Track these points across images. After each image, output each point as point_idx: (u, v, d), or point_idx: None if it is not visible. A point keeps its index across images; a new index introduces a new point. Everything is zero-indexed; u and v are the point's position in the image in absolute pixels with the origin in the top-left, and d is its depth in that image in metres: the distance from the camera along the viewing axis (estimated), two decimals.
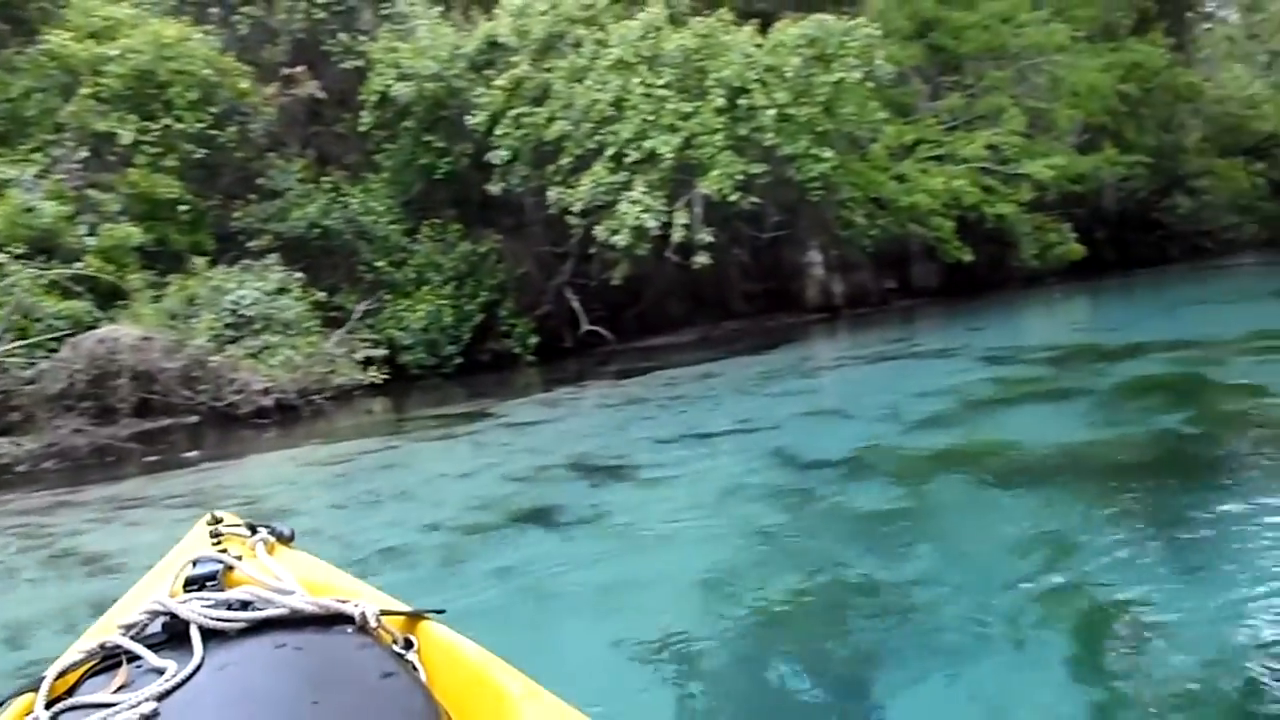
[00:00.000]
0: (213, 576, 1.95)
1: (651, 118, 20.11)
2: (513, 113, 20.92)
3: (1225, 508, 5.80)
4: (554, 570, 6.21)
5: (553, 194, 20.65)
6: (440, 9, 23.15)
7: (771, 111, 20.07)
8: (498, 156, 21.16)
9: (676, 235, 20.00)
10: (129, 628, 1.70)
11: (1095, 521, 5.83)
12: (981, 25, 26.89)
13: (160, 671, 1.54)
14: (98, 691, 1.53)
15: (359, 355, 19.49)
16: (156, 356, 16.26)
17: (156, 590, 1.91)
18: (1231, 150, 37.22)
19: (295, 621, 1.74)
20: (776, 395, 13.42)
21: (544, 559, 6.50)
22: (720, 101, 20.17)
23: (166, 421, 16.51)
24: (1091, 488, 6.61)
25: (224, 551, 2.13)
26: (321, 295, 20.05)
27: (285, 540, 2.35)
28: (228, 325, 17.98)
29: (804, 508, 7.10)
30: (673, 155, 19.86)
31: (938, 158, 25.61)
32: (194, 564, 2.00)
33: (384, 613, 1.82)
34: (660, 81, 20.41)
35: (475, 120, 21.27)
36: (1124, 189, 33.16)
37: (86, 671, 1.63)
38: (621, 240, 19.75)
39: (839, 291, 26.70)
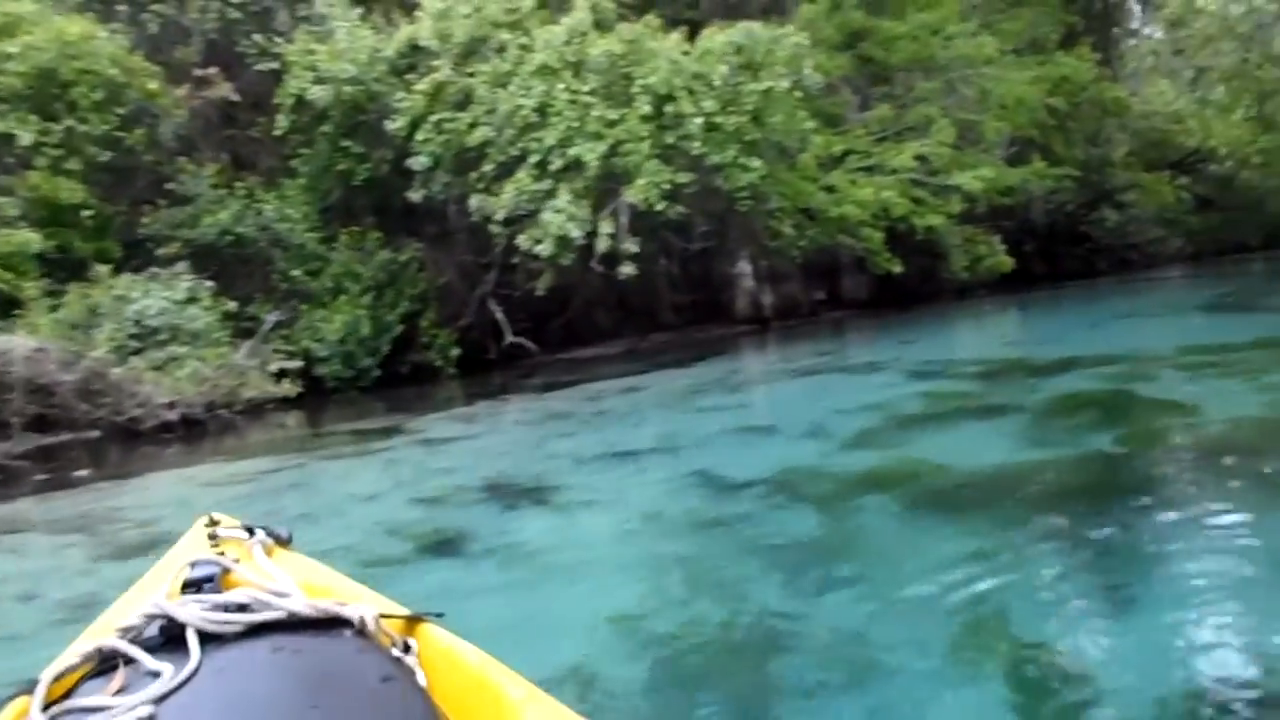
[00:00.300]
0: (210, 579, 1.96)
1: (576, 124, 19.62)
2: (434, 118, 20.31)
3: (1154, 534, 5.59)
4: (460, 601, 5.72)
5: (475, 201, 20.06)
6: (360, 11, 22.39)
7: (699, 120, 19.68)
8: (418, 163, 20.52)
9: (601, 245, 19.52)
10: (126, 630, 1.70)
11: (1022, 549, 5.55)
12: (910, 36, 26.75)
13: (157, 674, 1.54)
14: (94, 695, 1.53)
15: (272, 367, 18.79)
16: (52, 369, 15.47)
17: (154, 592, 1.90)
18: (1157, 164, 37.66)
19: (293, 624, 1.74)
20: (702, 411, 13.00)
21: (450, 589, 6.05)
22: (646, 109, 19.71)
23: (66, 437, 15.73)
24: (1020, 512, 6.28)
25: (221, 554, 2.14)
26: (233, 305, 19.28)
27: (283, 542, 2.38)
28: (131, 336, 17.19)
29: (724, 534, 6.68)
30: (598, 163, 19.38)
31: (867, 169, 25.40)
32: (191, 566, 2.01)
33: (383, 616, 1.82)
34: (585, 88, 19.94)
35: (395, 125, 20.62)
36: (1052, 202, 33.38)
37: (83, 675, 1.63)
38: (545, 250, 19.23)
39: (769, 303, 26.44)
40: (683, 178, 19.81)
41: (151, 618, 1.71)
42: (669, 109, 19.84)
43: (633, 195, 19.46)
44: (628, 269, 19.71)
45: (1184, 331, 16.82)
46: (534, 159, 19.77)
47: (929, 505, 6.67)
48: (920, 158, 25.42)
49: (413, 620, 1.90)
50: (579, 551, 6.74)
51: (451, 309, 22.35)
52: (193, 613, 1.69)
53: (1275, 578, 4.68)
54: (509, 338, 22.19)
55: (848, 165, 25.36)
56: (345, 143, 21.59)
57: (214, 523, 2.42)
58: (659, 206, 19.38)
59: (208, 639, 1.66)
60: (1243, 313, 19.02)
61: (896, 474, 7.69)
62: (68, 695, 1.57)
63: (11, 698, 1.56)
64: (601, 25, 21.20)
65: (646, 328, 25.02)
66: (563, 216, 19.16)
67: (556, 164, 19.62)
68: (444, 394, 19.21)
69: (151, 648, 1.64)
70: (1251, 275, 32.11)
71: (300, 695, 1.56)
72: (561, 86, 19.87)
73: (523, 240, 19.57)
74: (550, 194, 19.58)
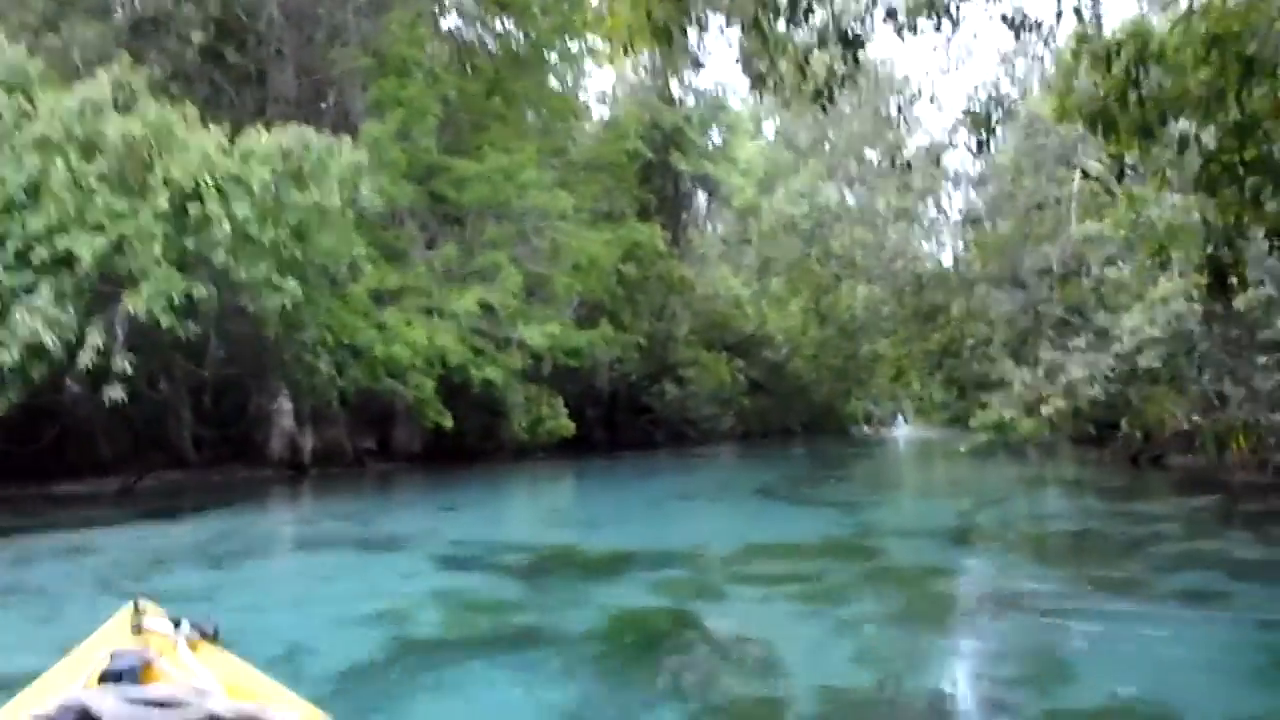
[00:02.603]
0: (131, 670, 2.04)
1: (74, 212, 16.19)
2: None
3: None
4: None
5: None
6: None
7: (228, 226, 16.80)
8: None
9: (84, 358, 16.00)
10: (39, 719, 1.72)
11: None
12: (485, 177, 25.46)
13: None
14: None
15: None
16: None
17: (72, 680, 2.01)
18: (716, 345, 39.11)
19: None
20: (153, 597, 9.84)
21: None
22: (164, 205, 16.60)
23: None
24: None
25: (145, 645, 2.22)
26: None
27: (210, 638, 2.43)
28: None
29: None
30: (94, 260, 16.03)
31: (426, 310, 23.48)
32: (112, 657, 2.09)
33: None
34: (93, 170, 16.59)
35: None
36: (617, 370, 33.43)
37: None
38: (8, 359, 15.48)
39: (309, 447, 23.76)
40: (201, 291, 16.82)
41: (67, 708, 1.73)
42: (194, 210, 16.84)
43: (135, 304, 16.22)
44: (116, 391, 16.33)
45: (745, 524, 16.16)
46: (13, 246, 16.10)
47: None
48: (485, 305, 23.84)
49: None
50: None
51: None
52: (109, 706, 1.72)
53: None
54: None
55: (404, 304, 23.30)
56: None
57: (140, 610, 2.42)
58: (166, 321, 16.25)
59: None
60: (800, 505, 18.93)
61: None
62: None
63: None
64: (126, 106, 17.98)
65: (159, 463, 21.46)
66: (38, 319, 15.56)
67: (42, 255, 16.06)
68: None
69: None
70: (795, 459, 33.29)
71: None
72: (62, 163, 16.41)
73: None
74: (29, 290, 15.96)
